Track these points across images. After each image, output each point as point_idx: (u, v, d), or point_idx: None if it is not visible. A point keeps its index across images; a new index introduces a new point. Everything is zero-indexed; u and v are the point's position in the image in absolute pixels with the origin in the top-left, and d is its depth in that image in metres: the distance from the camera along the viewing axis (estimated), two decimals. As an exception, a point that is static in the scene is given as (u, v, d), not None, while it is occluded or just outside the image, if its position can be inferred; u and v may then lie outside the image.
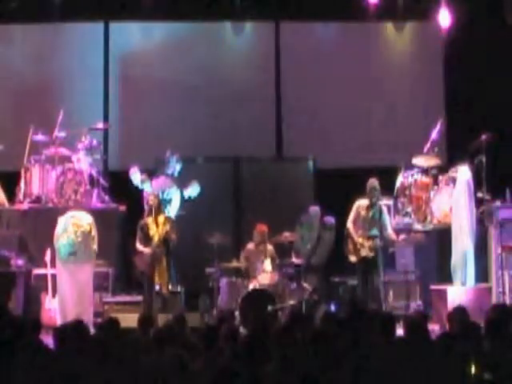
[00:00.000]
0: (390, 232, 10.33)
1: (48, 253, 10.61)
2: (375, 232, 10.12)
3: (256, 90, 13.76)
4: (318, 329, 6.01)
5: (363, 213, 10.24)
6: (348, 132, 13.72)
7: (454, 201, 10.86)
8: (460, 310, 6.45)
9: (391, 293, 10.97)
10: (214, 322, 9.86)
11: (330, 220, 11.71)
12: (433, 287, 10.80)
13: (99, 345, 5.56)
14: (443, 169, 12.04)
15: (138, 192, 11.79)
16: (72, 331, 5.79)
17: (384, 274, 10.35)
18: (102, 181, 12.11)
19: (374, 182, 10.28)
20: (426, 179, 11.94)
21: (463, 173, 10.82)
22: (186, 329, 6.70)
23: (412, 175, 12.00)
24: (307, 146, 13.42)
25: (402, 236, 10.62)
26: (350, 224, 10.30)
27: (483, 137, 11.23)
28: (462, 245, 10.53)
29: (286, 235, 11.19)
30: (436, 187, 11.83)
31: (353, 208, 10.35)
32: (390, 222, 10.60)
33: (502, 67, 13.02)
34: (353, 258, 10.25)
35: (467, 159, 11.13)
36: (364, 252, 10.14)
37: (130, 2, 13.38)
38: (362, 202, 10.32)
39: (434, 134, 12.13)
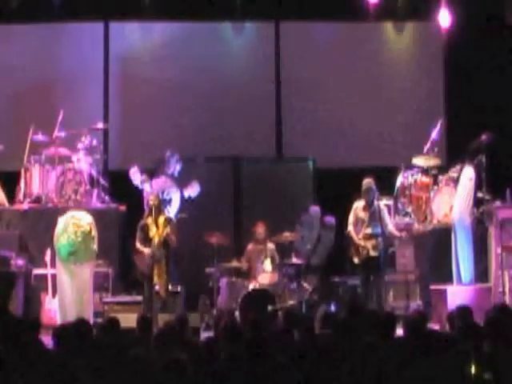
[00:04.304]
0: (390, 228, 10.31)
1: (48, 253, 10.61)
2: (377, 230, 10.10)
3: (256, 90, 13.76)
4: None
5: (361, 214, 10.21)
6: (348, 132, 13.71)
7: (456, 199, 10.90)
8: (464, 310, 6.45)
9: (391, 293, 10.97)
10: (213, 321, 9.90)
11: (330, 220, 11.71)
12: (433, 287, 10.80)
13: (99, 345, 5.56)
14: (443, 169, 12.04)
15: (138, 192, 11.79)
16: (73, 331, 5.78)
17: (384, 273, 10.35)
18: (102, 181, 12.12)
19: (369, 183, 10.24)
20: (426, 179, 11.93)
21: (468, 173, 10.85)
22: (187, 329, 6.70)
23: (412, 175, 11.99)
24: (307, 146, 13.42)
25: (404, 232, 10.64)
26: (350, 227, 10.26)
27: (483, 137, 11.23)
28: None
29: (286, 235, 11.20)
30: (436, 187, 11.83)
31: (351, 211, 10.34)
32: (390, 219, 10.60)
33: (501, 67, 13.02)
34: (356, 260, 10.21)
35: (467, 159, 11.14)
36: (366, 252, 10.09)
37: (130, 2, 13.39)
38: (358, 204, 10.29)
39: (434, 134, 12.13)
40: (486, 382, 4.80)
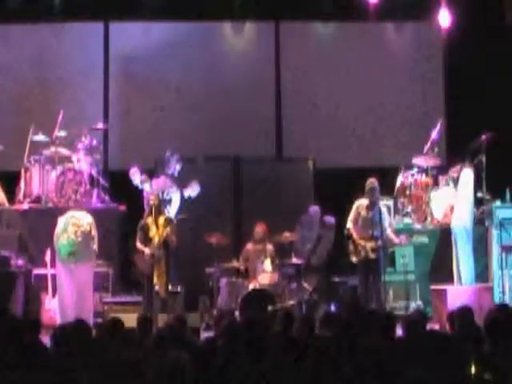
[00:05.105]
0: (388, 233, 10.28)
1: (48, 253, 10.61)
2: (376, 232, 10.07)
3: (256, 90, 13.77)
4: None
5: (363, 213, 10.19)
6: (348, 132, 13.72)
7: (457, 201, 10.90)
8: (464, 310, 6.44)
9: (391, 293, 10.96)
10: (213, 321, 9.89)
11: (330, 220, 11.70)
12: (433, 287, 10.80)
13: (99, 345, 5.55)
14: (443, 169, 12.05)
15: (138, 192, 11.79)
16: (73, 331, 5.78)
17: (384, 274, 10.33)
18: (102, 181, 12.12)
19: (373, 182, 10.22)
20: (426, 179, 11.95)
21: (467, 175, 10.85)
22: (186, 329, 6.70)
23: (412, 175, 12.00)
24: (307, 146, 13.42)
25: (403, 237, 10.58)
26: (350, 224, 10.24)
27: (483, 137, 11.24)
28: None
29: (286, 235, 11.19)
30: (436, 187, 11.84)
31: (352, 208, 10.32)
32: (389, 223, 10.57)
33: (502, 67, 13.02)
34: (354, 259, 10.18)
35: (467, 159, 11.14)
36: (365, 253, 10.07)
37: (130, 2, 13.39)
38: (361, 202, 10.27)
39: (434, 134, 12.14)
40: (485, 381, 4.80)
